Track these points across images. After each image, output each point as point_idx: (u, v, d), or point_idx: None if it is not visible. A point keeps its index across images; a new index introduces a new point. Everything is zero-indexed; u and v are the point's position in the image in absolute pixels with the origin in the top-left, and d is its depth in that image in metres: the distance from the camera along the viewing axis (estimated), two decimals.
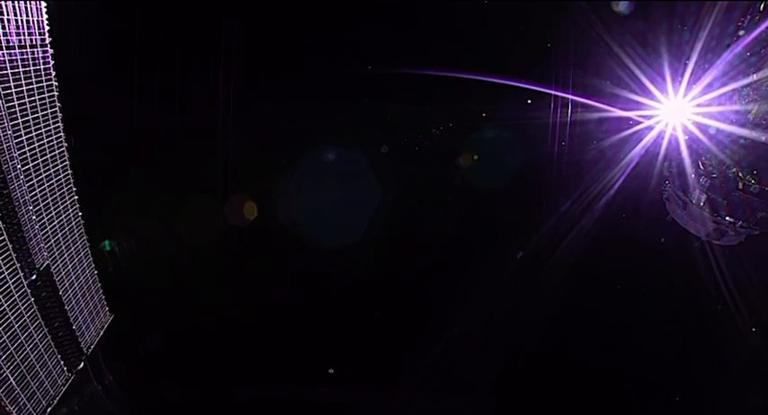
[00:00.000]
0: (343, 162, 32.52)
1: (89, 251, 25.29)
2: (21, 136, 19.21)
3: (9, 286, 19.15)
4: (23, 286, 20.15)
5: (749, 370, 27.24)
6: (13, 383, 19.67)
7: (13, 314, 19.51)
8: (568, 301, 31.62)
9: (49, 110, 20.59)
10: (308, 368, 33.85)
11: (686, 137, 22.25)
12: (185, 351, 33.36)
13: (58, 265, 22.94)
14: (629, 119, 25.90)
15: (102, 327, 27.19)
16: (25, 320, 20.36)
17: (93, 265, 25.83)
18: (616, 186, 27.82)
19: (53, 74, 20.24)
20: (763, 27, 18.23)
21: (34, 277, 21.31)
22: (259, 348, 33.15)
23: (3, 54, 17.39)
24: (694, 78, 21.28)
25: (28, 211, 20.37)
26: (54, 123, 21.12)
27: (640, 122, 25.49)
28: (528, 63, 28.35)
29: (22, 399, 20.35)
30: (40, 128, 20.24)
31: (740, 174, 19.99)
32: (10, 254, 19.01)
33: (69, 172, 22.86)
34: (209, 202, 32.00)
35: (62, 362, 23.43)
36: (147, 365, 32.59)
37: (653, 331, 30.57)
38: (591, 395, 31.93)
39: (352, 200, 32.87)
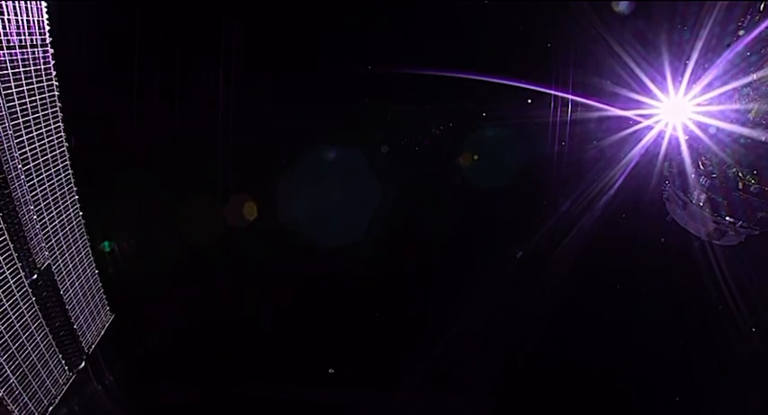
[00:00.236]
0: (344, 162, 32.54)
1: (90, 251, 25.35)
2: (21, 135, 19.25)
3: (10, 286, 19.20)
4: (24, 286, 20.19)
5: (749, 370, 27.22)
6: (15, 382, 19.72)
7: (14, 314, 19.55)
8: (568, 301, 31.60)
9: (50, 110, 20.63)
10: (308, 368, 33.85)
11: (686, 137, 22.24)
12: (185, 351, 33.38)
13: (59, 265, 22.99)
14: (629, 118, 25.89)
15: (103, 326, 27.25)
16: (26, 319, 20.41)
17: (93, 265, 25.89)
18: (616, 186, 27.81)
19: (53, 73, 20.29)
20: (762, 26, 18.22)
21: (35, 276, 21.36)
22: (259, 348, 33.16)
23: (3, 54, 17.43)
24: (694, 78, 21.27)
25: (29, 211, 20.42)
26: (54, 123, 21.16)
27: (640, 122, 25.48)
28: (528, 63, 28.35)
29: (24, 398, 20.40)
30: (40, 128, 20.29)
31: (740, 174, 19.97)
32: (11, 254, 19.06)
33: (70, 171, 22.91)
34: (209, 202, 32.02)
35: (63, 361, 23.48)
36: (147, 365, 32.62)
37: (653, 331, 30.54)
38: (591, 395, 31.91)
39: (352, 200, 32.88)
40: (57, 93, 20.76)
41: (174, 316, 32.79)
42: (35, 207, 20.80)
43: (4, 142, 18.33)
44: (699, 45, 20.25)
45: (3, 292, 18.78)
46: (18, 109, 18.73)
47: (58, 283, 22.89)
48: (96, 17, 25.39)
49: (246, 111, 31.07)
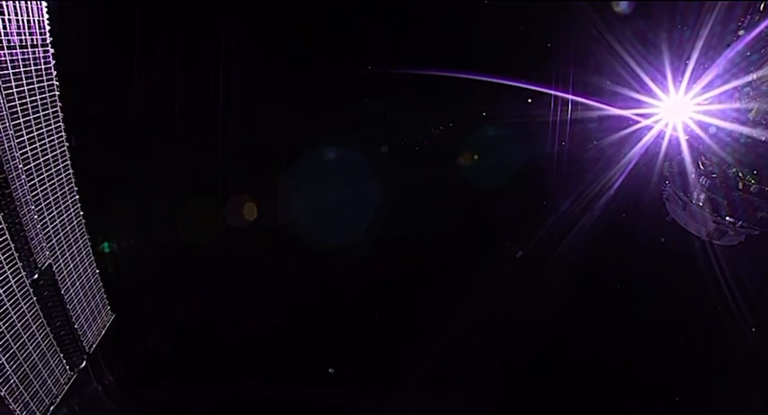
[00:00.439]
0: (343, 162, 32.56)
1: (90, 251, 25.40)
2: (22, 135, 19.30)
3: (11, 286, 19.24)
4: (25, 286, 20.23)
5: (749, 369, 27.20)
6: (16, 381, 19.76)
7: (15, 313, 19.59)
8: (568, 301, 31.59)
9: (50, 110, 20.68)
10: (308, 368, 33.86)
11: (686, 137, 22.22)
12: (185, 351, 33.41)
13: (60, 264, 23.03)
14: (629, 118, 25.88)
15: (104, 326, 27.30)
16: (27, 319, 20.45)
17: (94, 264, 25.94)
18: (616, 185, 27.79)
19: (54, 73, 20.33)
20: (762, 26, 18.21)
21: (36, 276, 21.41)
22: (259, 348, 33.18)
23: (4, 53, 17.47)
24: (695, 77, 21.25)
25: (29, 211, 20.46)
26: (55, 122, 21.21)
27: (640, 121, 25.46)
28: (528, 62, 28.35)
29: (25, 397, 20.44)
30: (41, 128, 20.33)
31: (740, 174, 19.96)
32: (12, 253, 19.10)
33: (70, 171, 22.96)
34: (209, 202, 32.05)
35: (64, 361, 23.53)
36: (147, 365, 32.66)
37: (653, 331, 30.53)
38: (591, 395, 31.89)
39: (352, 201, 32.88)
40: (57, 93, 20.80)
41: (175, 316, 32.82)
42: (36, 206, 20.84)
43: (5, 142, 18.38)
44: (699, 44, 20.25)
45: (4, 292, 18.82)
46: (19, 108, 18.77)
47: (59, 283, 22.94)
48: (96, 17, 25.43)
49: (246, 111, 31.11)
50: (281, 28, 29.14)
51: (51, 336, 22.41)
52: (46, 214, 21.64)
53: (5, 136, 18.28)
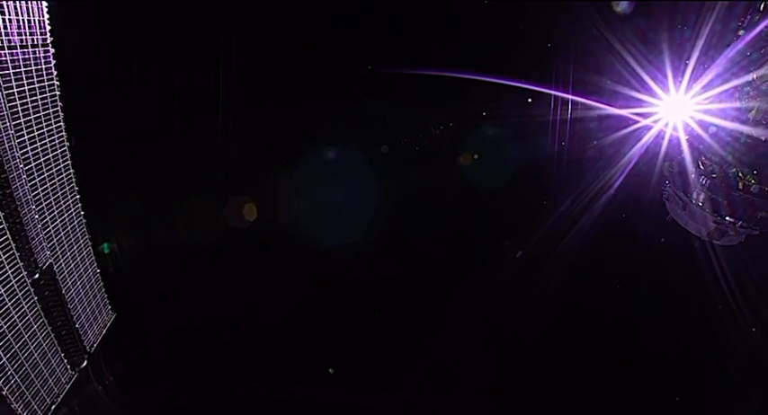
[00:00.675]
0: (343, 162, 32.58)
1: (91, 250, 25.44)
2: (23, 135, 19.34)
3: (12, 285, 19.28)
4: (27, 285, 20.27)
5: (749, 369, 27.17)
6: (18, 380, 19.80)
7: (16, 313, 19.63)
8: (568, 301, 31.59)
9: (51, 110, 20.71)
10: (308, 368, 33.87)
11: (687, 136, 22.20)
12: (185, 351, 33.44)
13: (61, 264, 23.07)
14: (629, 117, 25.86)
15: (105, 326, 27.33)
16: (29, 318, 20.49)
17: (95, 264, 25.97)
18: (616, 185, 27.78)
19: (54, 73, 20.36)
20: (762, 25, 18.20)
21: (37, 276, 21.44)
22: (259, 348, 33.20)
23: (5, 54, 17.50)
24: (695, 77, 21.23)
25: (30, 210, 20.50)
26: (55, 122, 21.25)
27: (641, 121, 25.44)
28: (528, 62, 28.35)
29: (27, 397, 20.48)
30: (41, 128, 20.37)
31: (740, 174, 19.93)
32: (13, 253, 19.14)
33: (71, 171, 22.99)
34: (209, 202, 32.08)
35: (65, 360, 23.56)
36: (147, 365, 32.69)
37: (653, 331, 30.51)
38: (591, 395, 31.87)
39: (352, 200, 32.90)
40: (58, 93, 20.84)
41: (175, 316, 32.85)
42: (36, 206, 20.88)
43: (6, 142, 18.41)
44: (699, 44, 20.23)
45: (5, 291, 18.86)
46: (19, 108, 18.81)
47: (60, 282, 22.98)
48: (96, 17, 25.47)
49: (247, 111, 31.14)
50: (281, 28, 29.18)
51: (52, 335, 22.45)
52: (47, 213, 21.68)
53: (6, 135, 18.32)
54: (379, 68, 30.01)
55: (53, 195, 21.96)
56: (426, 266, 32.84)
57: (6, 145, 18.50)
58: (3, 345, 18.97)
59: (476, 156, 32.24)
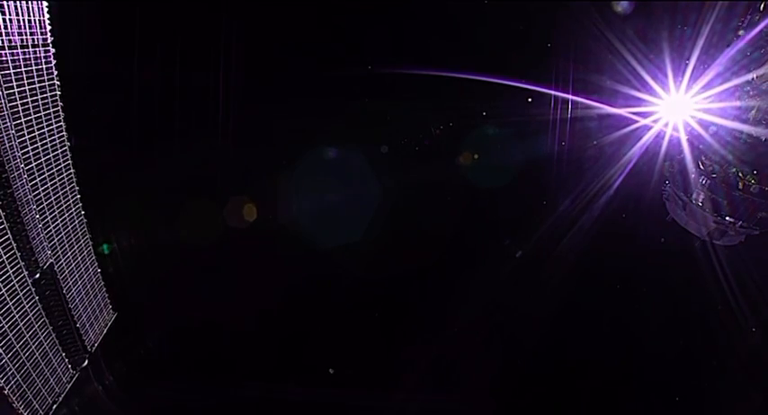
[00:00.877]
0: (343, 162, 32.59)
1: (92, 250, 25.46)
2: (23, 135, 19.38)
3: (13, 285, 19.32)
4: (28, 285, 20.31)
5: (749, 369, 27.14)
6: (20, 380, 19.84)
7: (17, 313, 19.67)
8: (568, 301, 31.57)
9: (51, 110, 20.75)
10: (308, 368, 33.89)
11: (687, 136, 22.19)
12: (185, 351, 33.47)
13: (62, 264, 23.11)
14: (629, 117, 25.84)
15: (106, 325, 27.36)
16: (30, 318, 20.53)
17: (95, 263, 26.00)
18: (616, 185, 27.77)
19: (55, 73, 20.40)
20: (762, 25, 18.19)
21: (38, 275, 21.47)
22: (259, 348, 33.22)
23: (5, 53, 17.55)
24: (695, 76, 21.22)
25: (31, 210, 20.54)
26: (56, 122, 21.29)
27: (641, 120, 25.43)
28: (528, 62, 28.35)
29: (28, 396, 20.52)
30: (42, 128, 20.41)
31: (741, 174, 19.93)
32: (14, 253, 19.18)
33: (72, 171, 23.03)
34: (209, 202, 32.11)
35: (66, 360, 23.60)
36: (147, 365, 32.72)
37: (653, 331, 30.49)
38: (591, 395, 31.86)
39: (352, 200, 32.91)
40: (58, 93, 20.87)
41: (175, 316, 32.89)
42: (37, 206, 20.92)
43: (6, 141, 18.45)
44: (699, 43, 20.22)
45: (6, 291, 18.89)
46: (20, 108, 18.84)
47: (61, 282, 23.01)
48: (97, 17, 25.51)
49: (246, 111, 31.17)
50: (281, 28, 29.20)
51: (53, 335, 22.48)
52: (47, 213, 21.72)
53: (7, 135, 18.36)
54: (379, 68, 30.04)
55: (54, 195, 21.99)
56: (426, 266, 32.83)
57: (7, 145, 18.54)
58: (4, 344, 19.01)
59: (476, 156, 32.24)
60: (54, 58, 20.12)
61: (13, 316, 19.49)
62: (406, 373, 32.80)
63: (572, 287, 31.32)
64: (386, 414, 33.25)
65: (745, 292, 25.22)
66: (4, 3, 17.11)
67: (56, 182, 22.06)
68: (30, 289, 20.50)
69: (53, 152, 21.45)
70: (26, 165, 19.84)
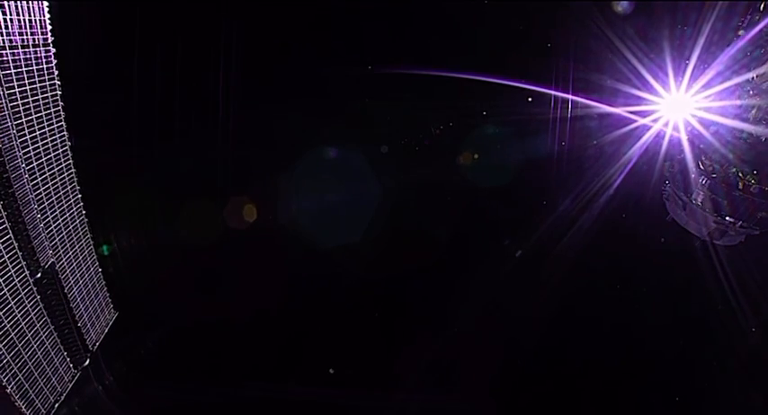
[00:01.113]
0: (343, 162, 32.61)
1: (93, 250, 25.51)
2: (24, 135, 19.43)
3: (15, 285, 19.38)
4: (29, 284, 20.37)
5: (749, 369, 27.09)
6: (22, 379, 19.90)
7: (19, 312, 19.73)
8: (568, 300, 31.56)
9: (52, 109, 20.80)
10: (308, 368, 33.92)
11: (687, 136, 22.15)
12: (185, 351, 33.51)
13: (63, 263, 23.16)
14: (629, 116, 25.80)
15: (107, 324, 27.41)
16: (32, 317, 20.58)
17: (97, 263, 26.05)
18: (616, 185, 27.72)
19: (56, 73, 20.45)
20: (762, 25, 18.16)
21: (39, 275, 21.52)
22: (259, 348, 33.26)
23: (6, 53, 17.60)
24: (695, 75, 21.18)
25: (32, 210, 20.59)
26: (57, 122, 21.34)
27: (641, 120, 25.38)
28: (528, 61, 28.33)
29: (30, 395, 20.57)
30: (43, 128, 20.47)
31: (740, 174, 19.89)
32: (15, 253, 19.23)
33: (73, 170, 23.07)
34: (209, 203, 32.15)
35: (68, 359, 23.65)
36: (147, 365, 32.78)
37: (653, 331, 30.46)
38: (590, 395, 31.83)
39: (352, 200, 32.93)
40: (59, 93, 20.92)
41: (175, 316, 32.93)
42: (39, 205, 20.98)
43: (8, 141, 18.51)
44: (700, 43, 20.18)
45: (8, 290, 18.95)
46: (21, 108, 18.90)
47: (62, 281, 23.06)
48: (97, 17, 25.55)
49: (246, 111, 31.21)
50: (281, 28, 29.23)
51: (55, 334, 22.54)
52: (49, 213, 21.77)
53: (8, 135, 18.42)
54: (379, 68, 30.04)
55: (55, 194, 22.04)
56: (426, 266, 32.83)
57: (8, 145, 18.60)
58: (6, 343, 19.07)
59: (476, 156, 32.23)
60: (54, 58, 20.18)
61: (15, 315, 19.54)
62: (405, 373, 32.80)
63: (572, 287, 31.30)
64: (386, 414, 33.26)
65: (745, 292, 25.17)
66: (5, 3, 17.16)
67: (57, 182, 22.11)
68: (31, 289, 20.56)
69: (54, 151, 21.49)
70: (27, 165, 19.89)
